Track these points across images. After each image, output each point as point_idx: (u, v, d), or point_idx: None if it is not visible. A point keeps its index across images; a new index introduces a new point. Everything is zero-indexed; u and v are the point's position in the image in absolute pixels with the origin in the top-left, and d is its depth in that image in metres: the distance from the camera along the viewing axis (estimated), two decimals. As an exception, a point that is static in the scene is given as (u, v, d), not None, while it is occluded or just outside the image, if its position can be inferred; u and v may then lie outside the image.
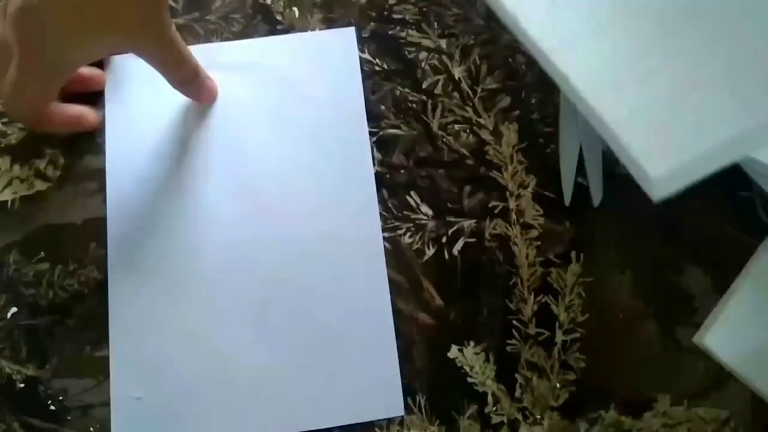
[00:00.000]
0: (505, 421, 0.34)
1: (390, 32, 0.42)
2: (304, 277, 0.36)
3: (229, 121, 0.39)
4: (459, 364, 0.35)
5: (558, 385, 0.35)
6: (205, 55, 0.40)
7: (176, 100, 0.39)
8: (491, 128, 0.40)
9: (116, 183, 0.37)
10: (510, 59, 0.41)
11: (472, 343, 0.35)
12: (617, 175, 0.38)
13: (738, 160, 0.30)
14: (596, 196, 0.38)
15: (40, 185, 0.38)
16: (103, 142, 0.38)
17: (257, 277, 0.36)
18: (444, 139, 0.39)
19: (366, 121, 0.39)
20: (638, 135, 0.27)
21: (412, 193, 0.38)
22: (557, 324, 0.36)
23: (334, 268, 0.36)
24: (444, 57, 0.41)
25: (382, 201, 0.38)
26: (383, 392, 0.34)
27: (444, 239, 0.37)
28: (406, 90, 0.41)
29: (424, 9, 0.43)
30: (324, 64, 0.40)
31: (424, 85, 0.41)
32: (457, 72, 0.41)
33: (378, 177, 0.38)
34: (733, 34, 0.29)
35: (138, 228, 0.36)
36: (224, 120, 0.39)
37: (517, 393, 0.34)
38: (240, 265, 0.36)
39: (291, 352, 0.34)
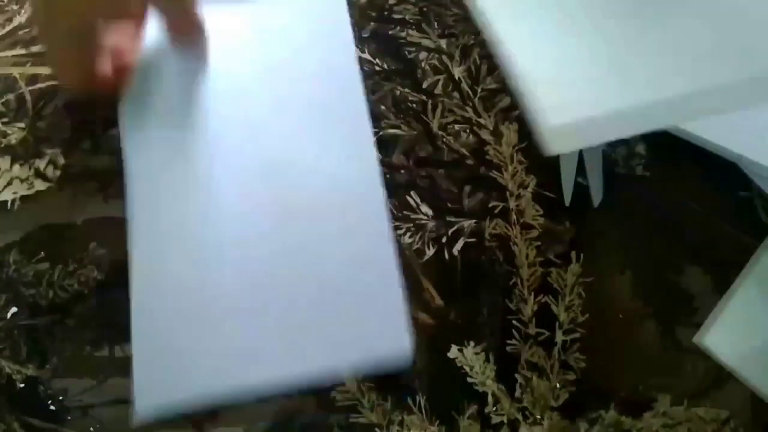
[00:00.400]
0: (505, 421, 0.34)
1: (390, 32, 0.42)
2: (311, 221, 0.35)
3: (226, 78, 0.38)
4: (459, 364, 0.35)
5: (558, 385, 0.35)
6: None
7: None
8: (491, 128, 0.40)
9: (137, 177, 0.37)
10: (510, 59, 0.41)
11: (472, 343, 0.35)
12: (617, 175, 0.38)
13: (630, 135, 0.32)
14: (596, 196, 0.38)
15: (40, 185, 0.38)
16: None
17: (266, 227, 0.34)
18: (444, 139, 0.39)
19: (358, 65, 0.38)
20: (544, 90, 0.29)
21: (412, 193, 0.38)
22: (557, 324, 0.36)
23: (336, 211, 0.35)
24: (444, 57, 0.41)
25: (382, 201, 0.38)
26: (389, 329, 0.32)
27: (444, 239, 0.37)
28: (406, 90, 0.41)
29: (424, 9, 0.43)
30: (312, 18, 0.40)
31: (424, 85, 0.41)
32: (457, 72, 0.41)
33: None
34: (657, 16, 0.30)
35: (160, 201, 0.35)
36: (221, 81, 0.38)
37: (517, 393, 0.34)
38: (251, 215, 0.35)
39: (298, 300, 0.33)
